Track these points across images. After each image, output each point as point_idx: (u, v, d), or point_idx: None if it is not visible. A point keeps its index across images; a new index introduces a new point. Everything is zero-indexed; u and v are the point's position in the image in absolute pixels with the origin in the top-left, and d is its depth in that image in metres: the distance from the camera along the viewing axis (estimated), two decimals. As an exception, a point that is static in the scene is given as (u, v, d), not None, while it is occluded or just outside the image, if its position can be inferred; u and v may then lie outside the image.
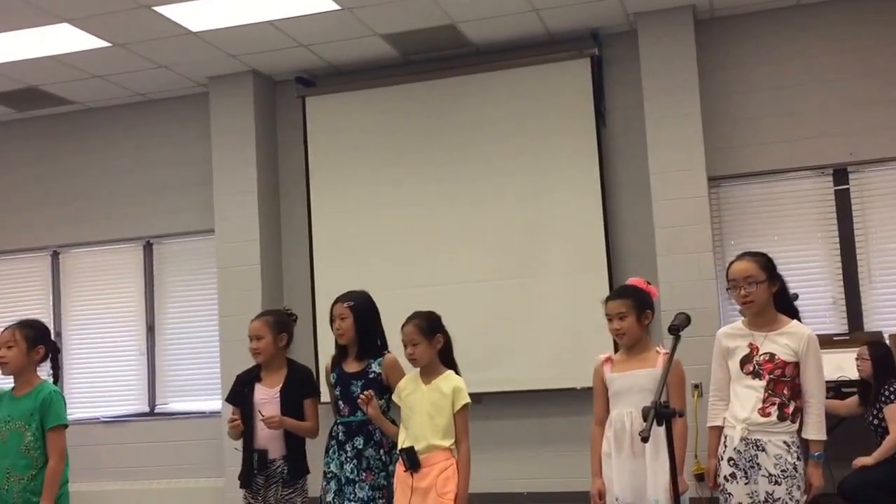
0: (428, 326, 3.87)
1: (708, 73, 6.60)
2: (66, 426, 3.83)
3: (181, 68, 7.16)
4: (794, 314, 3.63)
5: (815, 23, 6.56)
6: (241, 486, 4.15)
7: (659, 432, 3.12)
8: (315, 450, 4.29)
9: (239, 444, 4.18)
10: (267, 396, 4.12)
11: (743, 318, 3.67)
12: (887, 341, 6.10)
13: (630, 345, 3.63)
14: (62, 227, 7.96)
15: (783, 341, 3.48)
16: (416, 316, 3.92)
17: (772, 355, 3.47)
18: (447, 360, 3.97)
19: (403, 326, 3.90)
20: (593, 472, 3.66)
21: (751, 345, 3.52)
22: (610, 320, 3.64)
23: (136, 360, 7.80)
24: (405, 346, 3.88)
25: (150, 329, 7.80)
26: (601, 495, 3.60)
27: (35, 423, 3.75)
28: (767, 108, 6.58)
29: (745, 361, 3.52)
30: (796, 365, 3.46)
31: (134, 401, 7.78)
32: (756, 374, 3.48)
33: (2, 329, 3.95)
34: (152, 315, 7.81)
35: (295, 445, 4.13)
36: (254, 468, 4.08)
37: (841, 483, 5.32)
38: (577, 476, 5.45)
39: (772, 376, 3.46)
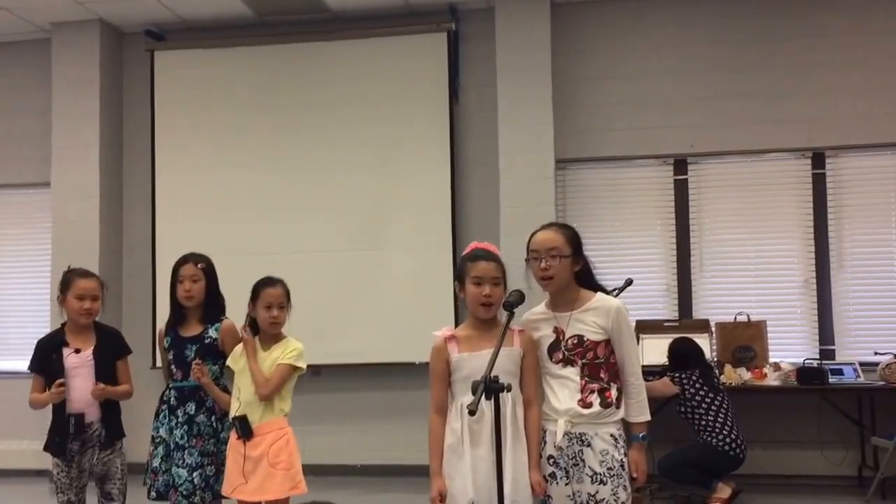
0: (287, 294, 3.85)
1: (561, 56, 6.68)
2: None
3: (23, 12, 6.80)
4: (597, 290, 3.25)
5: (665, 15, 6.72)
6: (54, 455, 3.94)
7: (519, 420, 3.00)
8: (143, 415, 4.09)
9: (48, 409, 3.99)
10: (79, 360, 3.96)
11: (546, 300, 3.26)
12: (713, 329, 6.34)
13: (491, 317, 3.13)
14: None
15: (590, 319, 3.11)
16: (281, 280, 3.84)
17: (580, 338, 3.09)
18: None
19: (269, 287, 3.78)
20: (433, 471, 3.06)
21: (556, 329, 3.13)
22: (479, 284, 3.09)
23: (-41, 315, 7.41)
24: (270, 308, 3.76)
25: (-24, 284, 7.42)
26: (443, 497, 3.03)
27: None
28: (616, 95, 6.71)
29: (553, 349, 3.13)
30: (608, 343, 3.09)
31: (-46, 358, 7.37)
32: (567, 362, 3.10)
33: None
34: (-22, 269, 7.43)
35: (111, 407, 4.00)
36: (69, 434, 3.91)
37: (658, 462, 5.51)
38: (411, 449, 5.45)
39: (584, 361, 3.08)
